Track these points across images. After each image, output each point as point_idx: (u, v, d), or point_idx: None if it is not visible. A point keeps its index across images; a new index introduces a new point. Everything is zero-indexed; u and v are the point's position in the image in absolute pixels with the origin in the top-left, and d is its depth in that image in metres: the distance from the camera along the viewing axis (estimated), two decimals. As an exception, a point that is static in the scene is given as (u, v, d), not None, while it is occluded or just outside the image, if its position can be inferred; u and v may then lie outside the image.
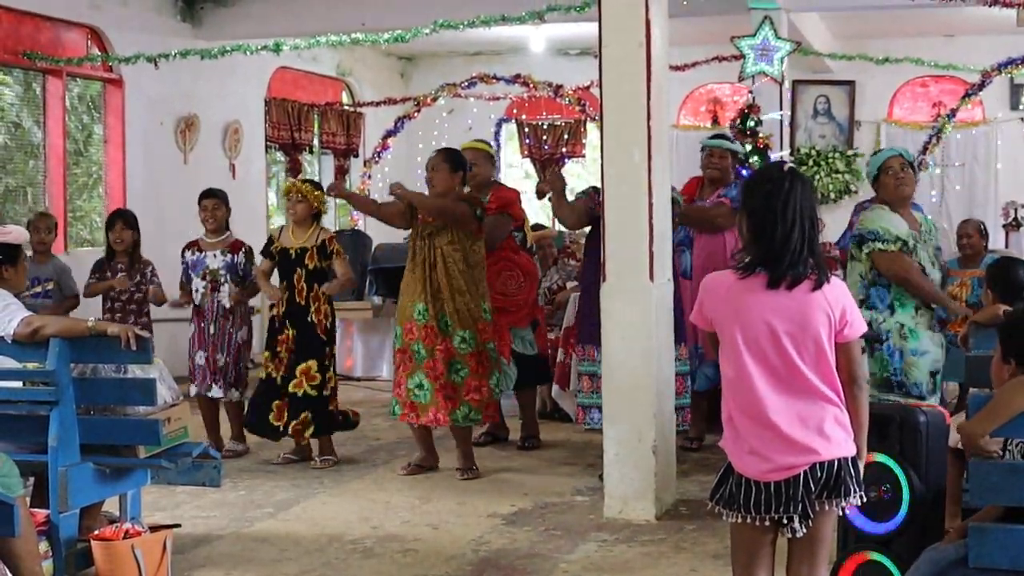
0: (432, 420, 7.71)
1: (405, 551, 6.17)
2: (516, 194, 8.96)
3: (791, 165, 3.99)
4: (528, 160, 17.41)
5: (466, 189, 8.00)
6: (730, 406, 3.82)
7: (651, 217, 6.60)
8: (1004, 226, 14.24)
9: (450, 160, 7.87)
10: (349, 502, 7.22)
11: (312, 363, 8.10)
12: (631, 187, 6.62)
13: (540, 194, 14.59)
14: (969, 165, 15.93)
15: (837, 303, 3.74)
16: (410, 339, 7.73)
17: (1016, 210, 13.89)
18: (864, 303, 6.28)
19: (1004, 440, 4.02)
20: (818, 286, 3.71)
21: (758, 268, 3.74)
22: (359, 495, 7.39)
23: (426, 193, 7.93)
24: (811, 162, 16.02)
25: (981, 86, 11.57)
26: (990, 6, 9.69)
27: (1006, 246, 13.66)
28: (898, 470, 4.67)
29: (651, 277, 6.62)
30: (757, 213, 3.78)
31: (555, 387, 9.24)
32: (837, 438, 3.74)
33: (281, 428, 8.10)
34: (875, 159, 6.64)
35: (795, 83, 15.84)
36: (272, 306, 8.47)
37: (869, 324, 6.20)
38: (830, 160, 15.82)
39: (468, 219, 7.68)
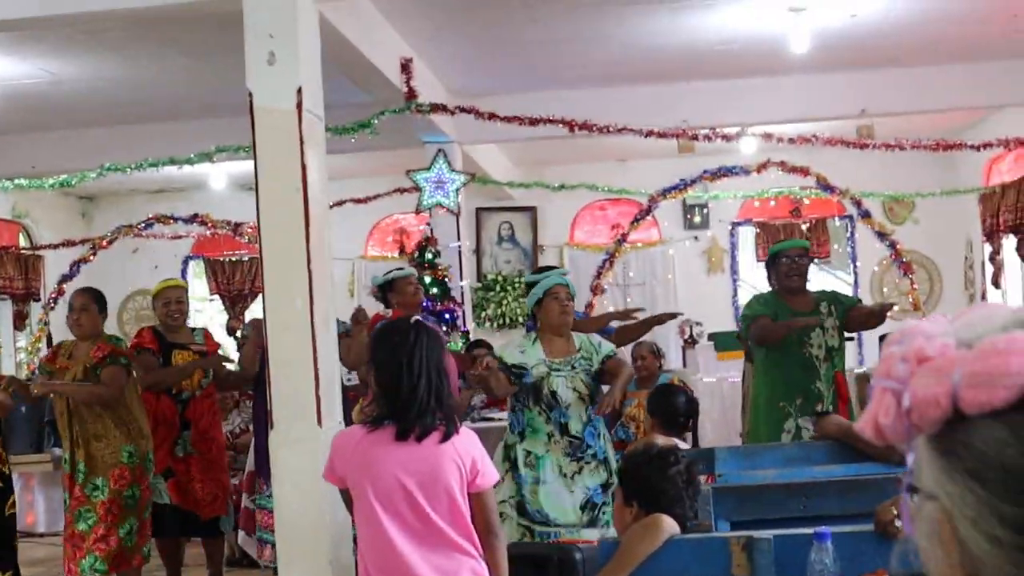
0: (68, 572, 7.44)
1: None
2: (217, 343, 8.86)
3: (417, 318, 4.02)
4: (218, 297, 17.19)
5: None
6: (367, 563, 3.79)
7: (316, 363, 6.55)
8: (682, 344, 14.75)
9: (97, 300, 7.73)
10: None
11: None
12: (295, 333, 6.55)
13: (231, 331, 14.42)
14: (649, 283, 16.50)
15: (467, 454, 3.77)
16: (63, 487, 7.54)
17: (692, 327, 14.40)
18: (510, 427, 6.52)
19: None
20: (446, 437, 3.74)
21: (386, 421, 3.74)
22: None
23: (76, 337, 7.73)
24: (497, 287, 16.32)
25: (648, 211, 12.04)
26: (646, 136, 10.11)
27: (684, 364, 14.13)
28: (557, 609, 4.70)
29: (319, 422, 6.55)
30: (384, 366, 3.80)
31: (241, 532, 9.02)
32: (476, 590, 3.75)
33: None
34: (543, 283, 6.71)
35: (478, 210, 16.18)
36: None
37: (509, 447, 6.35)
38: (515, 285, 16.13)
39: (116, 386, 7.51)
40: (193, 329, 8.78)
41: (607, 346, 6.69)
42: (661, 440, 5.68)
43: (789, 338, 7.30)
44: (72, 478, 7.45)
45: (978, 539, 0.96)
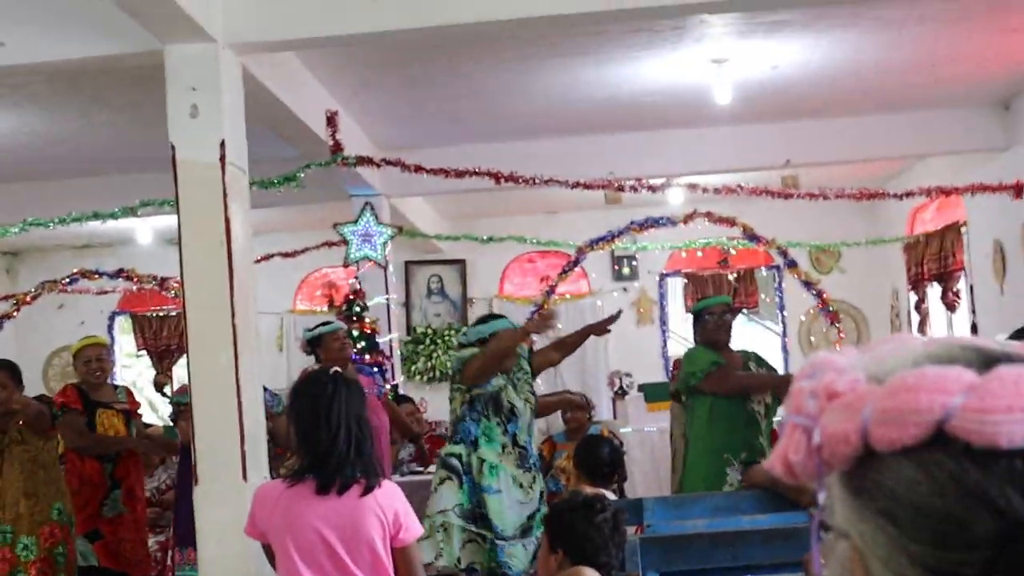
0: None
1: None
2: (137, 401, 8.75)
3: (336, 370, 3.99)
4: (145, 352, 17.01)
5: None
6: (290, 621, 3.73)
7: (241, 417, 6.48)
8: (612, 396, 14.77)
9: (14, 376, 7.59)
10: None
11: None
12: (219, 388, 6.49)
13: (158, 386, 14.26)
14: (578, 335, 16.48)
15: (390, 507, 3.73)
16: None
17: (621, 379, 14.43)
18: (453, 437, 6.65)
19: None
20: (368, 490, 3.69)
21: (307, 475, 3.70)
22: None
23: None
24: (427, 340, 16.27)
25: (576, 262, 12.02)
26: (572, 188, 10.13)
27: (614, 415, 14.15)
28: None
29: (244, 477, 6.47)
30: (303, 418, 3.77)
31: (166, 592, 8.89)
32: (400, 647, 3.69)
33: None
34: (492, 325, 7.15)
35: (407, 264, 16.15)
36: None
37: (455, 456, 6.38)
38: (445, 337, 16.07)
39: (42, 420, 7.41)
40: (115, 386, 8.68)
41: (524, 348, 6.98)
42: (588, 491, 5.67)
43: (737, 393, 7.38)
44: None
45: None
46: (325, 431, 3.68)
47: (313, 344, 8.61)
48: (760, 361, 7.82)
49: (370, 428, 3.81)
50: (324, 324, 8.93)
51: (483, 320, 7.51)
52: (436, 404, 12.08)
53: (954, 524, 0.91)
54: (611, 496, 6.23)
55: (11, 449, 7.32)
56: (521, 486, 6.62)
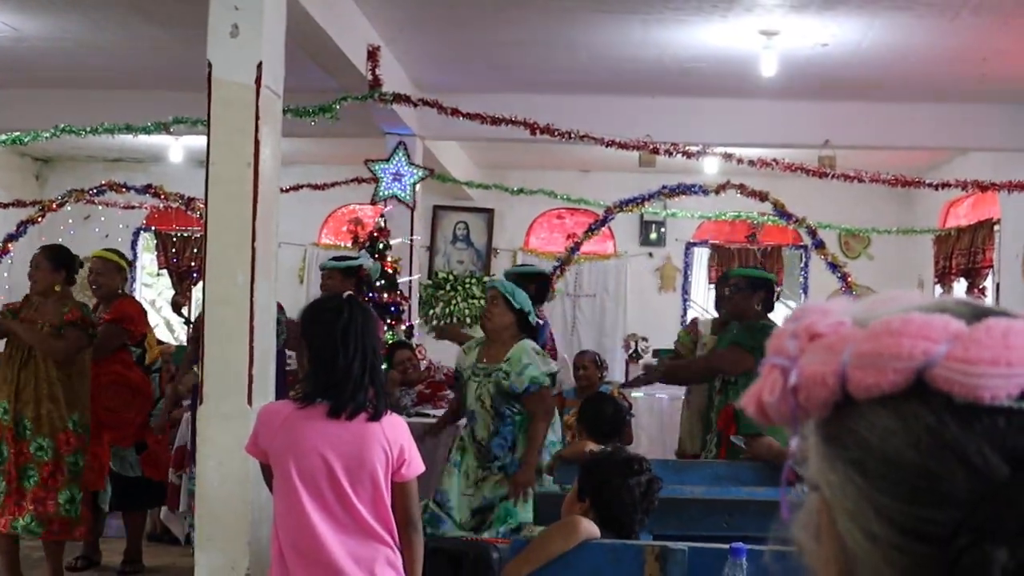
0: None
1: None
2: (139, 309, 8.68)
3: (350, 294, 3.97)
4: (166, 272, 17.04)
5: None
6: (281, 542, 3.71)
7: (252, 340, 6.46)
8: (626, 359, 14.74)
9: (53, 258, 7.65)
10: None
11: None
12: (234, 309, 6.46)
13: (176, 307, 14.27)
14: (599, 296, 16.47)
15: (396, 441, 3.70)
16: None
17: (636, 342, 14.39)
18: None
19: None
20: (375, 417, 3.66)
21: (319, 398, 3.67)
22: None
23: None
24: (448, 286, 16.25)
25: (604, 222, 11.98)
26: (607, 146, 10.08)
27: (626, 377, 14.11)
28: (470, 606, 4.65)
29: (249, 401, 6.46)
30: (318, 342, 3.73)
31: (163, 509, 8.91)
32: (388, 580, 3.68)
33: None
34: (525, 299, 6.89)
35: (435, 208, 16.12)
36: None
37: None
38: (467, 285, 16.04)
39: (73, 348, 7.44)
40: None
41: (530, 374, 6.55)
42: (591, 447, 5.65)
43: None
44: (13, 432, 7.32)
45: (855, 533, 0.90)
46: (342, 355, 3.65)
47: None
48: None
49: (380, 355, 3.79)
50: (344, 259, 8.95)
51: (523, 276, 7.42)
52: (446, 349, 12.01)
53: (926, 479, 0.86)
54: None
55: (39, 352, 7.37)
56: (467, 478, 6.66)
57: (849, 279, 11.57)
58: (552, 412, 6.86)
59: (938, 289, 14.52)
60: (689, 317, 15.23)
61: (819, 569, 0.95)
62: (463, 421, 7.10)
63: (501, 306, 6.72)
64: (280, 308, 7.21)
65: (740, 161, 10.77)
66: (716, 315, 8.45)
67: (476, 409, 6.59)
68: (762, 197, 11.10)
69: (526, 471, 6.37)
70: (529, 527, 6.26)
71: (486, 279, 15.15)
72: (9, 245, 13.52)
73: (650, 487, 3.93)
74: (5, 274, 14.48)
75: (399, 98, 9.88)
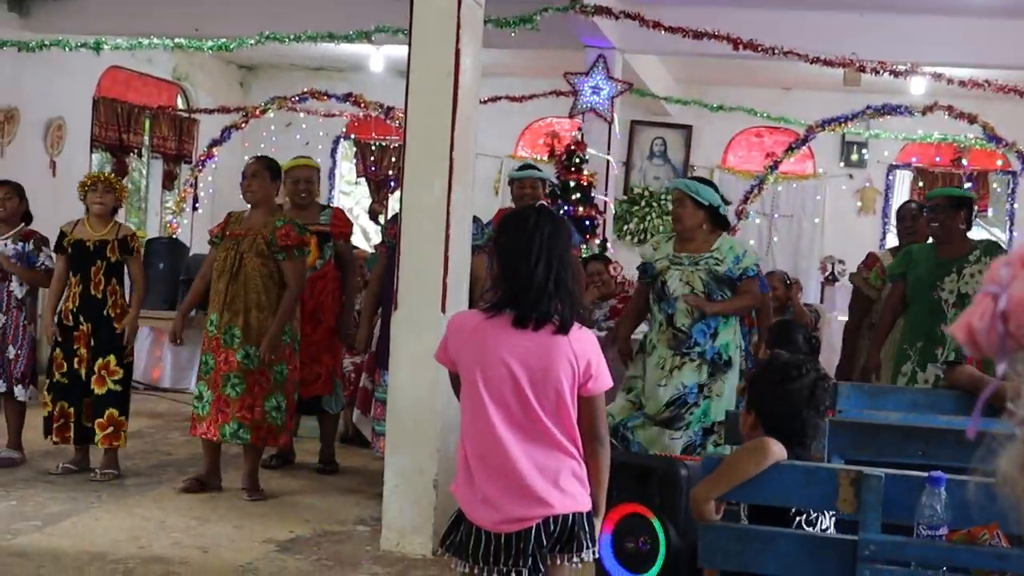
0: (204, 433, 7.52)
1: (167, 574, 5.97)
2: (350, 223, 8.88)
3: (542, 203, 3.94)
4: (364, 180, 17.29)
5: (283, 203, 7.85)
6: (467, 450, 3.71)
7: (447, 249, 6.51)
8: (822, 281, 14.49)
9: (270, 168, 7.70)
10: (123, 519, 6.94)
11: (111, 358, 7.83)
12: (430, 218, 6.52)
13: (372, 214, 14.48)
14: (797, 216, 16.19)
15: (584, 354, 3.66)
16: (204, 350, 7.57)
17: (833, 265, 14.12)
18: None
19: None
20: (562, 330, 3.63)
21: (505, 307, 3.66)
22: (134, 512, 7.11)
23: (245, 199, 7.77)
24: (643, 202, 16.15)
25: (804, 140, 11.76)
26: (811, 63, 9.84)
27: (821, 300, 13.89)
28: (656, 522, 4.63)
29: (443, 309, 6.51)
30: (504, 250, 3.72)
31: (356, 412, 9.10)
32: (573, 492, 3.64)
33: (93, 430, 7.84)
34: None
35: (633, 123, 15.99)
36: (67, 299, 7.94)
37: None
38: (662, 201, 15.91)
39: (302, 279, 7.66)
40: (323, 207, 8.75)
41: (749, 261, 6.82)
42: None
43: (920, 281, 7.15)
44: (220, 342, 7.50)
45: None
46: (524, 264, 3.62)
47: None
48: (996, 250, 7.44)
49: (573, 267, 3.76)
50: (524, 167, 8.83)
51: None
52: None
53: None
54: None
55: (250, 262, 7.48)
56: (662, 368, 6.68)
57: (1060, 207, 11.17)
58: (759, 298, 7.25)
59: None
60: (889, 242, 14.88)
61: None
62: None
63: (689, 206, 6.76)
64: (475, 219, 7.22)
65: (950, 82, 10.42)
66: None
67: (682, 295, 6.62)
68: (971, 119, 10.75)
69: (723, 303, 6.71)
70: (720, 427, 6.32)
71: (666, 183, 15.05)
72: (213, 150, 13.89)
73: (814, 389, 3.78)
74: (209, 178, 14.86)
75: (600, 10, 9.78)
